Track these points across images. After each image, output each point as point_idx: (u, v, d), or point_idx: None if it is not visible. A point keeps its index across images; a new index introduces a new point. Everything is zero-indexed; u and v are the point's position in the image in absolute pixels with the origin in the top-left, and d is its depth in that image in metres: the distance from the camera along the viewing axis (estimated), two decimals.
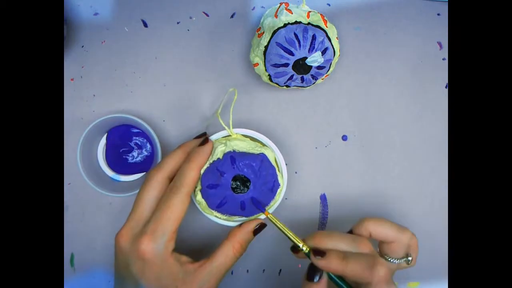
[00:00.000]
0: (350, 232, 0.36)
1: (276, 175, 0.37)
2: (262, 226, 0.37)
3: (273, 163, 0.37)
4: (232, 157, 0.36)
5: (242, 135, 0.39)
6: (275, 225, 0.35)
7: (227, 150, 0.36)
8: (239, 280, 0.43)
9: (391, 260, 0.34)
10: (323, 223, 0.44)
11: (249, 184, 0.36)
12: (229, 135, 0.38)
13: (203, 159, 0.36)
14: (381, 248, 0.36)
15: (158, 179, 0.35)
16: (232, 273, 0.43)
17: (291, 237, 0.34)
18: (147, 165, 0.43)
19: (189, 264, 0.34)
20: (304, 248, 0.34)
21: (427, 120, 0.44)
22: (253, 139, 0.39)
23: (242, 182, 0.37)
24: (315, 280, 0.32)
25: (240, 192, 0.36)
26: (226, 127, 0.38)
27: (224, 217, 0.38)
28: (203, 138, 0.37)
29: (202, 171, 0.36)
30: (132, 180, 0.43)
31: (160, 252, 0.33)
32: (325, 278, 0.33)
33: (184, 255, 0.35)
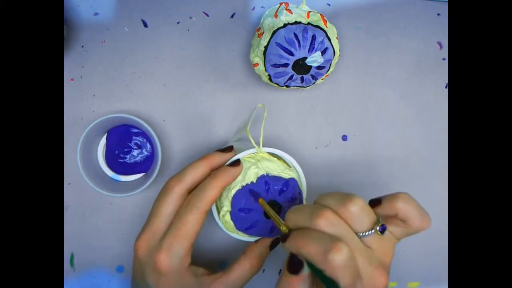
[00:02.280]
0: (378, 200, 0.30)
1: (302, 198, 0.37)
2: (277, 240, 0.37)
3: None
4: (266, 181, 0.35)
5: (269, 153, 0.38)
6: (266, 209, 0.33)
7: (260, 173, 0.36)
8: None
9: (361, 235, 0.27)
10: None
11: (281, 209, 0.36)
12: (256, 153, 0.37)
13: (229, 181, 0.34)
14: (387, 222, 0.29)
15: (177, 191, 0.34)
16: None
17: (276, 219, 0.31)
18: (147, 165, 0.43)
19: (206, 276, 0.34)
20: (283, 229, 0.29)
21: (427, 120, 0.44)
22: (278, 158, 0.38)
23: (271, 206, 0.35)
24: (294, 272, 0.26)
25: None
26: (255, 146, 0.37)
27: (246, 236, 0.37)
28: (234, 160, 0.36)
29: (233, 192, 0.35)
30: (132, 180, 0.43)
31: (176, 268, 0.33)
32: (305, 272, 0.26)
33: (201, 267, 0.35)
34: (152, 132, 0.39)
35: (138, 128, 0.42)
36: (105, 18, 0.43)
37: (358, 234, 0.27)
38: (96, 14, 0.43)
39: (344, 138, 0.44)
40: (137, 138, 0.43)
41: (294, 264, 0.26)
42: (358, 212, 0.27)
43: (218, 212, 0.37)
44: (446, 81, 0.44)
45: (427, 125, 0.44)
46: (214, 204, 0.37)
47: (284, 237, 0.28)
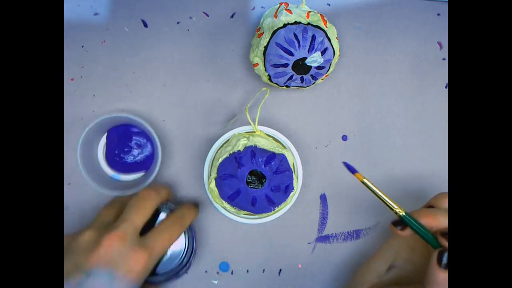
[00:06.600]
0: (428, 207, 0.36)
1: (292, 178, 0.37)
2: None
3: (291, 167, 0.38)
4: (253, 151, 0.37)
5: (266, 134, 0.39)
6: (371, 190, 0.34)
7: (249, 144, 0.37)
8: (239, 280, 0.43)
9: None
10: (323, 223, 0.44)
11: (264, 181, 0.37)
12: (253, 131, 0.39)
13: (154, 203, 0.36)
14: None
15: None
16: (232, 273, 0.43)
17: (387, 202, 0.33)
18: (147, 165, 0.43)
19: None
20: (399, 211, 0.33)
21: (427, 120, 0.44)
22: (275, 140, 0.40)
23: (257, 178, 0.37)
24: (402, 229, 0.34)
25: (254, 187, 0.37)
26: (251, 123, 0.39)
27: (233, 209, 0.38)
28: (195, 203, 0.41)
29: (221, 161, 0.37)
30: (132, 180, 0.43)
31: None
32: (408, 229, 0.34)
33: None
34: (152, 132, 0.39)
35: (138, 128, 0.42)
36: (105, 18, 0.43)
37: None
38: (96, 14, 0.43)
39: (344, 138, 0.44)
40: (137, 138, 0.43)
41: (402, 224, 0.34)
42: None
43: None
44: (446, 81, 0.44)
45: (427, 125, 0.44)
46: (206, 174, 0.40)
47: (411, 217, 0.34)
